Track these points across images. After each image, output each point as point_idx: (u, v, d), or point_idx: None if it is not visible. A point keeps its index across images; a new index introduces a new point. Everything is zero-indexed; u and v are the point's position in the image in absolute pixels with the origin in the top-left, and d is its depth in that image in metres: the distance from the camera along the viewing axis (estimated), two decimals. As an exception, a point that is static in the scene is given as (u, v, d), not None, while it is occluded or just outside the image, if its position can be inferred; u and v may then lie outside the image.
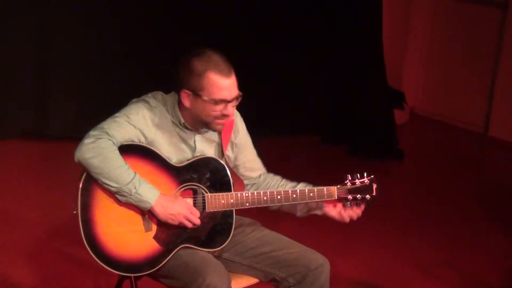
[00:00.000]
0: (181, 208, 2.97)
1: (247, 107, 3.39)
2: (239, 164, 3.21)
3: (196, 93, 2.96)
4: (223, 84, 2.95)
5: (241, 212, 3.20)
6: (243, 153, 3.22)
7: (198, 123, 3.05)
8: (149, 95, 3.10)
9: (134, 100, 3.08)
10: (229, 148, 3.18)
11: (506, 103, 6.80)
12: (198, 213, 3.01)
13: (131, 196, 2.92)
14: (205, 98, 2.95)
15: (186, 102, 3.00)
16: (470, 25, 7.00)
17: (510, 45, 6.72)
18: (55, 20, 5.91)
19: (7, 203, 5.04)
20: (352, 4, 6.38)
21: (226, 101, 2.97)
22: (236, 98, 3.00)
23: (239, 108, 3.21)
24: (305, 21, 6.44)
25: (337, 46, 6.47)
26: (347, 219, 3.15)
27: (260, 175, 3.26)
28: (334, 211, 3.16)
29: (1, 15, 5.76)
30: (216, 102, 2.96)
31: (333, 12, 6.43)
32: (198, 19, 6.16)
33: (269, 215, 3.33)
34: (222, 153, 3.14)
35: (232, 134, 3.17)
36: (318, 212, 3.20)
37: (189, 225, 2.99)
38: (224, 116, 2.99)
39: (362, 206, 3.12)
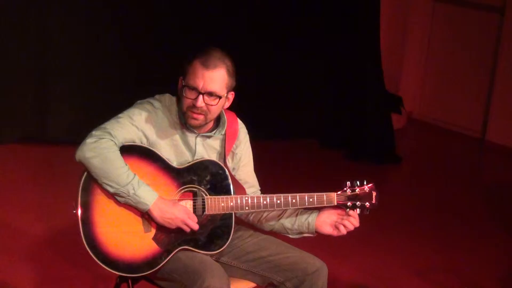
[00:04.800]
0: (179, 213, 2.97)
1: (246, 110, 3.41)
2: (235, 175, 3.21)
3: (183, 79, 3.02)
4: (200, 73, 2.97)
5: (238, 223, 3.21)
6: (241, 165, 3.23)
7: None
8: (156, 97, 3.12)
9: (138, 101, 3.10)
10: (229, 158, 3.20)
11: (504, 108, 6.82)
12: (196, 219, 3.01)
13: (129, 197, 2.93)
14: (184, 83, 3.00)
15: (179, 91, 3.04)
16: (468, 30, 7.02)
17: (507, 49, 6.74)
18: (54, 25, 5.91)
19: (6, 207, 5.04)
20: (350, 8, 6.39)
21: (197, 90, 2.98)
22: (210, 93, 2.99)
23: (238, 109, 3.22)
24: (305, 26, 6.45)
25: (336, 50, 6.49)
26: (343, 231, 3.11)
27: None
28: (328, 227, 3.14)
29: (0, 20, 5.76)
30: (189, 88, 2.98)
31: (331, 17, 6.44)
32: (197, 21, 6.17)
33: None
34: (223, 161, 3.15)
35: (234, 144, 3.19)
36: (311, 235, 3.19)
37: (187, 229, 3.00)
38: (195, 107, 2.99)
39: (357, 216, 3.10)
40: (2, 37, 5.79)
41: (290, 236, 3.23)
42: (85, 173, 2.97)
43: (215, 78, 2.98)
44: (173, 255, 3.03)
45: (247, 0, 6.36)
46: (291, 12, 6.44)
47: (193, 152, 3.10)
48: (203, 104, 2.98)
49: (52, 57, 5.96)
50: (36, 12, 5.83)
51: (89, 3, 6.00)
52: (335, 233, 3.14)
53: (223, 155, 3.17)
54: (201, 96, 2.98)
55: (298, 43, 6.47)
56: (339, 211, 3.12)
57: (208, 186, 3.05)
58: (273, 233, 3.26)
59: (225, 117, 3.16)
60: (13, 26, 5.79)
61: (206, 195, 3.05)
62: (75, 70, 6.04)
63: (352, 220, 3.10)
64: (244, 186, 3.20)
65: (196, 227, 3.01)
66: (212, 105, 3.00)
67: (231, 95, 3.09)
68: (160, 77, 5.81)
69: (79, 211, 2.96)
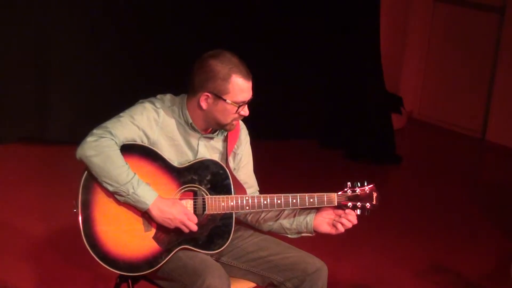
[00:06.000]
0: (178, 213, 2.97)
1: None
2: (235, 175, 3.22)
3: (219, 96, 2.99)
4: (246, 87, 2.99)
5: (238, 223, 3.21)
6: (241, 166, 3.23)
7: (212, 125, 3.08)
8: (158, 96, 3.12)
9: (140, 100, 3.10)
10: (230, 158, 3.20)
11: (504, 108, 6.82)
12: (195, 219, 3.01)
13: (128, 196, 2.93)
14: (229, 101, 2.98)
15: (204, 105, 3.01)
16: (468, 30, 7.02)
17: (507, 49, 6.74)
18: (54, 25, 5.91)
19: (6, 207, 5.03)
20: (350, 9, 6.40)
21: (245, 103, 3.01)
22: (251, 99, 3.04)
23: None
24: (304, 26, 6.45)
25: (335, 50, 6.48)
26: (341, 229, 3.11)
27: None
28: (326, 226, 3.14)
29: (1, 20, 5.76)
30: (239, 104, 2.99)
31: (331, 17, 6.44)
32: (197, 22, 6.16)
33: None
34: (225, 162, 3.15)
35: (235, 144, 3.20)
36: (309, 234, 3.19)
37: (186, 230, 3.00)
38: (241, 116, 3.03)
39: (354, 213, 3.10)
40: (2, 37, 5.79)
41: (289, 236, 3.23)
42: (86, 172, 2.98)
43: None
44: (173, 254, 3.03)
45: (246, 0, 6.35)
46: (291, 12, 6.44)
47: (195, 153, 3.10)
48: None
49: (52, 57, 5.95)
50: (36, 12, 5.83)
51: (89, 3, 6.00)
52: (333, 231, 3.14)
53: (225, 155, 3.17)
54: (246, 105, 3.02)
55: (298, 43, 6.47)
56: (337, 210, 3.12)
57: (209, 186, 3.06)
58: (272, 233, 3.26)
59: None
60: (14, 26, 5.79)
61: (206, 194, 3.05)
62: (75, 70, 6.04)
63: (350, 218, 3.09)
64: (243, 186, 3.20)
65: (194, 228, 3.01)
66: None
67: None
68: (161, 77, 5.83)
69: (80, 210, 2.96)
